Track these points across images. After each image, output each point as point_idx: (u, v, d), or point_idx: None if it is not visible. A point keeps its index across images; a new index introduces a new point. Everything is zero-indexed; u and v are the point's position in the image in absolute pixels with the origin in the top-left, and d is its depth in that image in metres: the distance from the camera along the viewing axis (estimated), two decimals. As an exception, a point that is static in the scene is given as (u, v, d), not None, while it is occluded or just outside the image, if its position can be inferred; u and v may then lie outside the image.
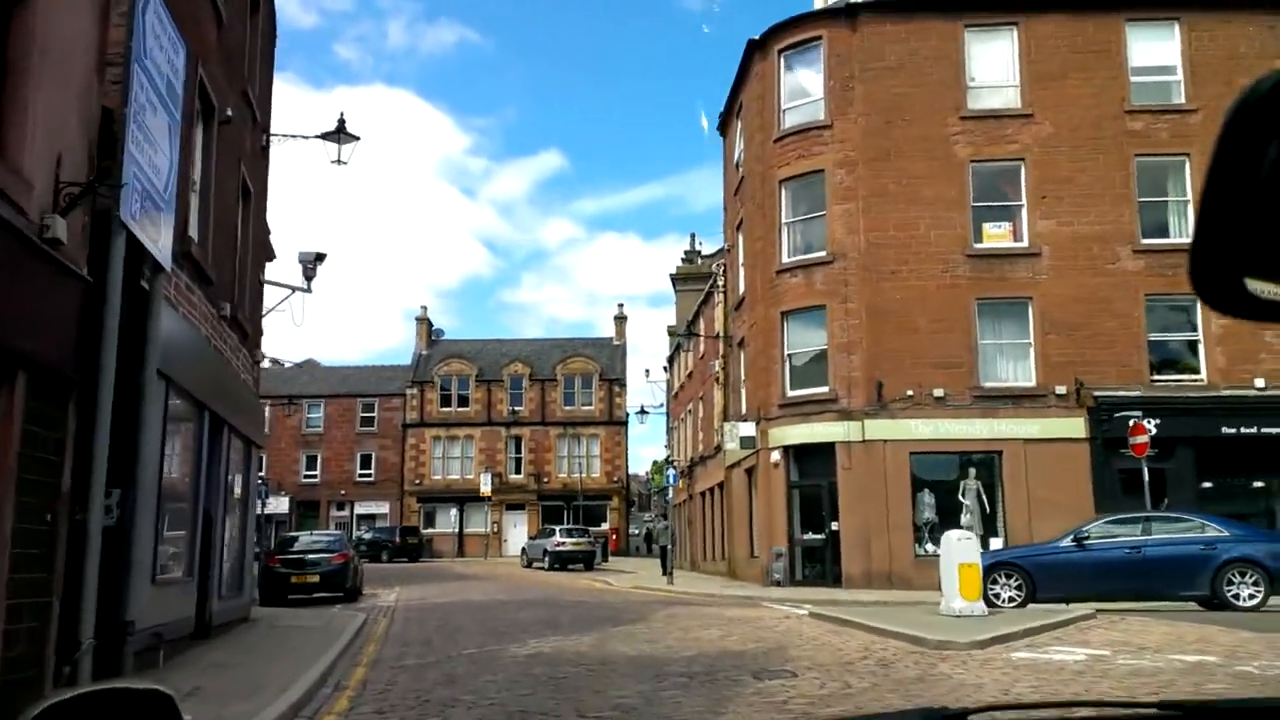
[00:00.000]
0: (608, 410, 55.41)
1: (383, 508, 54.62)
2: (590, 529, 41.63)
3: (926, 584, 20.37)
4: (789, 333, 23.14)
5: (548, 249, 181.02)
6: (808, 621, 13.42)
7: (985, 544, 21.09)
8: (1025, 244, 22.17)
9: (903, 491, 21.29)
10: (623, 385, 55.99)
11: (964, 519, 21.43)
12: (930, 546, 21.48)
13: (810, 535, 22.27)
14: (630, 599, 19.99)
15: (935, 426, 21.39)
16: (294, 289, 17.81)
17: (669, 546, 35.27)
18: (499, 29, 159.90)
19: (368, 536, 49.34)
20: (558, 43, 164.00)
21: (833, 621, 12.80)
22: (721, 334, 28.33)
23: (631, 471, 61.66)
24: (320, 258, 17.22)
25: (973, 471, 21.59)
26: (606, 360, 56.70)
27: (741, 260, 26.63)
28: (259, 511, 38.09)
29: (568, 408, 55.43)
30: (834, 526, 21.73)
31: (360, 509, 54.75)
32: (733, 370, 27.22)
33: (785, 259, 23.32)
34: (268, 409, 55.38)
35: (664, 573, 34.15)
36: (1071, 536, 15.16)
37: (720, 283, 28.84)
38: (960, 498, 21.54)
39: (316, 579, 20.76)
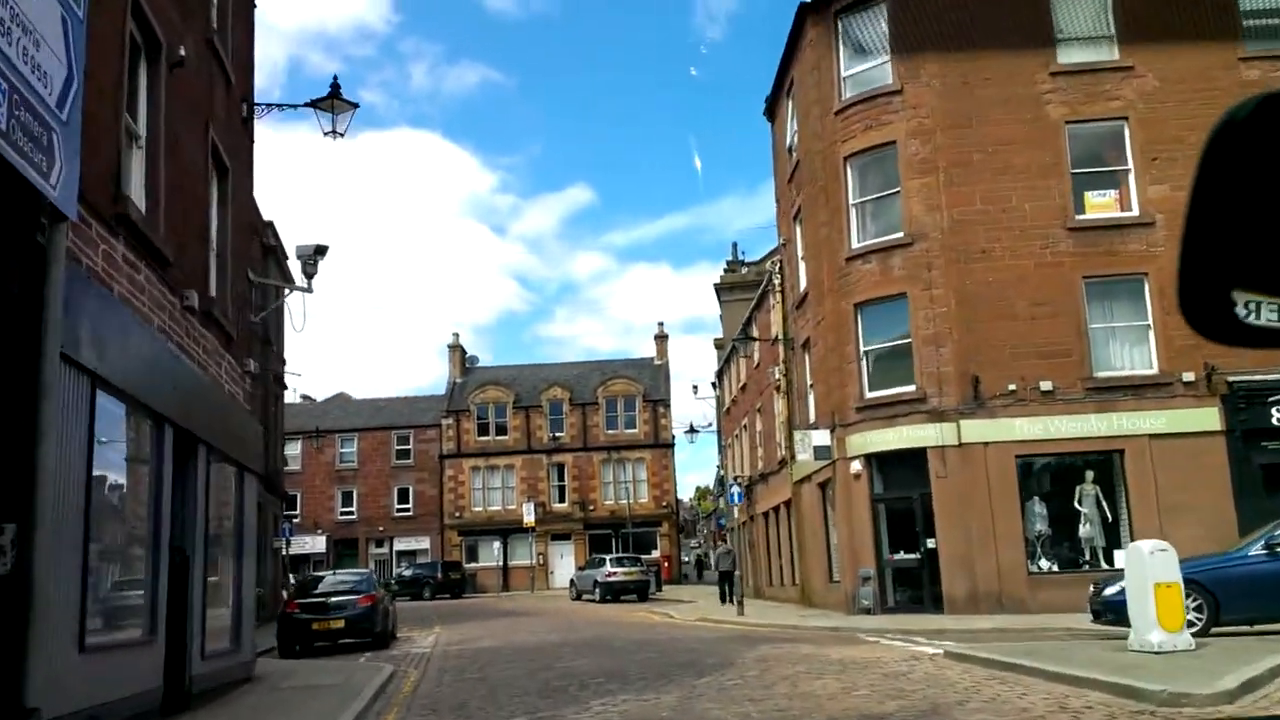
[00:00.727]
0: (653, 432, 52.78)
1: (423, 543, 52.32)
2: (641, 557, 38.86)
3: (1045, 606, 17.47)
4: (864, 327, 20.42)
5: (579, 281, 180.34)
6: (948, 665, 10.63)
7: (1109, 557, 18.13)
8: (1136, 213, 19.31)
9: (1009, 500, 18.39)
10: (667, 406, 53.37)
11: (1083, 529, 18.48)
12: (1044, 563, 18.57)
13: (902, 555, 19.40)
14: (702, 636, 17.25)
15: (1044, 424, 18.50)
16: (292, 287, 15.43)
17: (734, 573, 32.55)
18: (520, 67, 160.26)
19: (408, 573, 47.06)
20: (579, 78, 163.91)
21: (985, 665, 10.00)
22: (781, 337, 25.65)
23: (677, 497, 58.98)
24: (321, 251, 14.90)
25: (1090, 474, 18.64)
26: (649, 381, 54.16)
27: (801, 253, 24.00)
28: (284, 551, 35.91)
29: (610, 431, 52.90)
30: (930, 544, 18.86)
31: (400, 545, 52.48)
32: (796, 376, 24.51)
33: (855, 244, 20.66)
34: (299, 445, 53.64)
35: (724, 601, 31.40)
36: (1263, 542, 12.24)
37: (776, 282, 26.22)
38: (1077, 505, 18.59)
39: (341, 624, 18.30)
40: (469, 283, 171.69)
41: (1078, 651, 10.18)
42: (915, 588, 19.25)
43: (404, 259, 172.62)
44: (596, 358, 59.68)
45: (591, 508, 51.94)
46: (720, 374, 40.20)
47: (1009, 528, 18.25)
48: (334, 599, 18.67)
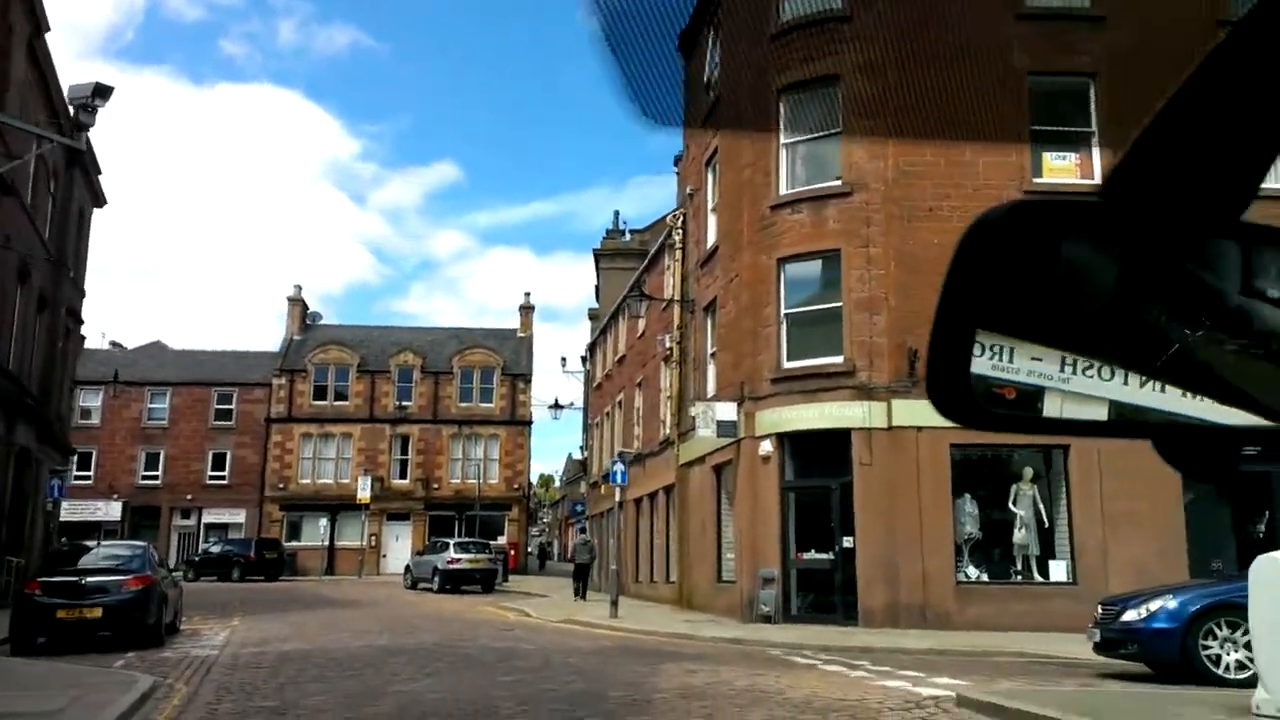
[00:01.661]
0: (510, 409, 48.79)
1: (238, 516, 46.39)
2: (490, 543, 34.99)
3: (973, 622, 15.00)
4: (787, 286, 17.46)
5: (438, 259, 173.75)
6: (963, 716, 7.55)
7: (1043, 568, 15.85)
8: (1097, 180, 17.13)
9: (940, 496, 15.83)
10: (528, 382, 49.49)
11: (1017, 534, 16.14)
12: (972, 570, 16.09)
13: (813, 554, 16.53)
14: (578, 646, 13.73)
15: (984, 412, 16.01)
16: (49, 139, 10.97)
17: (590, 566, 29.28)
18: (395, 34, 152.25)
19: (215, 549, 41.33)
20: (455, 52, 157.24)
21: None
22: (678, 299, 22.47)
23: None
24: (103, 92, 10.51)
25: (1028, 472, 16.33)
26: (510, 354, 50.10)
27: (712, 204, 20.87)
28: (52, 514, 29.99)
29: (464, 404, 48.54)
30: (847, 542, 16.07)
31: (210, 516, 46.35)
32: (695, 343, 21.37)
33: (784, 190, 17.67)
34: (99, 396, 46.58)
35: (578, 596, 28.15)
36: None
37: (676, 238, 22.99)
38: (1011, 506, 16.23)
39: (98, 614, 13.74)
40: (320, 249, 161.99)
41: (1168, 711, 7.29)
42: (824, 593, 16.42)
43: (252, 217, 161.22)
44: (453, 325, 55.11)
45: (436, 486, 47.46)
46: (593, 348, 36.80)
47: (938, 528, 15.66)
48: (92, 579, 14.03)
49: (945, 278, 0.86)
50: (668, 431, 23.82)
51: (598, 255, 38.30)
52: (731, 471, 18.27)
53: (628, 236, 37.82)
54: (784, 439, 16.87)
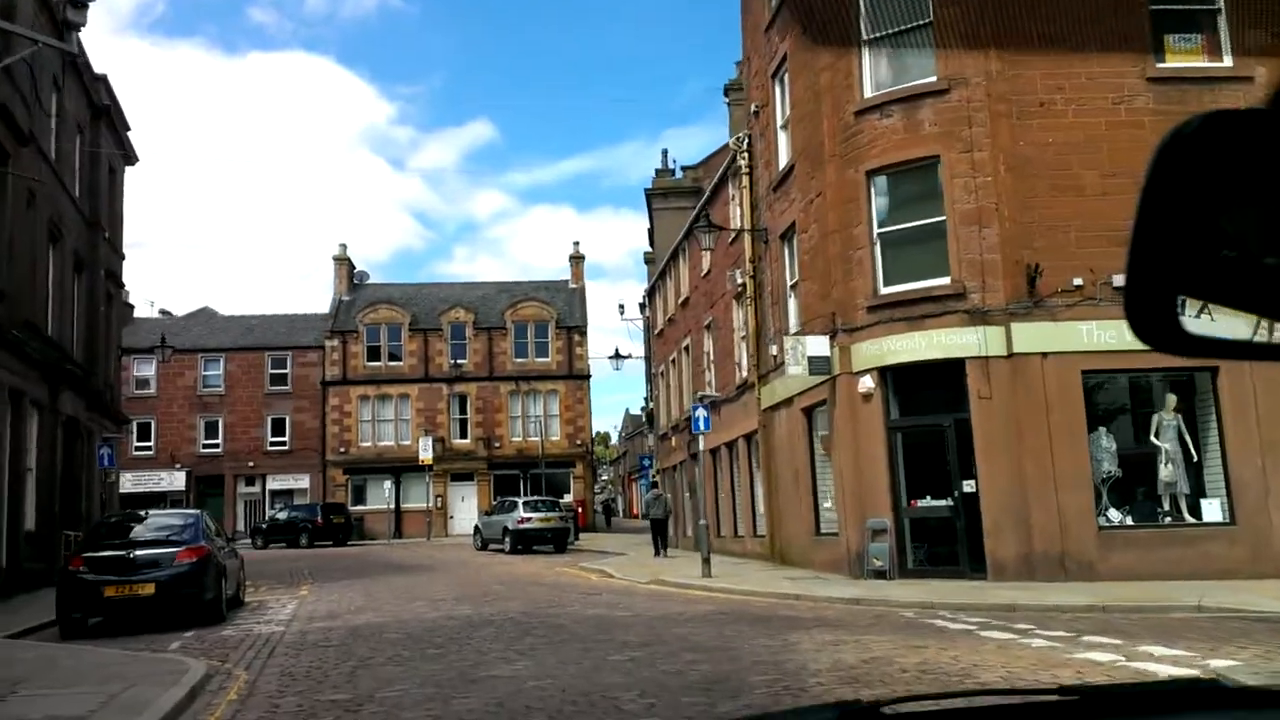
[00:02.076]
0: (567, 362, 47.49)
1: (301, 481, 46.04)
2: (560, 500, 33.91)
3: (1119, 571, 13.24)
4: (879, 202, 15.57)
5: (479, 221, 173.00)
6: None
7: (1195, 508, 14.00)
8: (1228, 64, 14.90)
9: (1074, 431, 13.99)
10: (583, 333, 48.08)
11: (1162, 471, 14.26)
12: (1114, 513, 14.28)
13: (928, 501, 14.85)
14: (682, 612, 12.31)
15: (1118, 331, 14.05)
16: (39, 40, 9.53)
17: (668, 521, 27.95)
18: None
19: (282, 517, 40.95)
20: (482, 8, 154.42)
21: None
22: (749, 229, 20.65)
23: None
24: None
25: (1171, 399, 14.40)
26: (563, 305, 48.68)
27: (782, 120, 18.94)
28: (113, 485, 29.46)
29: (520, 360, 47.35)
30: (967, 486, 14.36)
31: (274, 483, 46.07)
32: (772, 276, 19.59)
33: (869, 93, 15.69)
34: (152, 365, 46.23)
35: (658, 553, 26.89)
36: None
37: (742, 163, 21.09)
38: (1154, 439, 14.35)
39: (151, 589, 12.66)
40: (363, 216, 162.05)
41: None
42: (944, 544, 14.76)
43: (294, 188, 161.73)
44: (505, 279, 53.80)
45: (498, 445, 46.54)
46: (651, 293, 35.15)
47: (1073, 467, 13.85)
48: (141, 553, 12.93)
49: (1138, 205, 0.79)
50: (744, 374, 22.18)
51: (649, 195, 36.44)
52: (826, 413, 16.60)
53: (679, 174, 35.85)
54: (886, 373, 15.13)
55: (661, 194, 35.97)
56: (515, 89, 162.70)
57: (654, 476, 34.55)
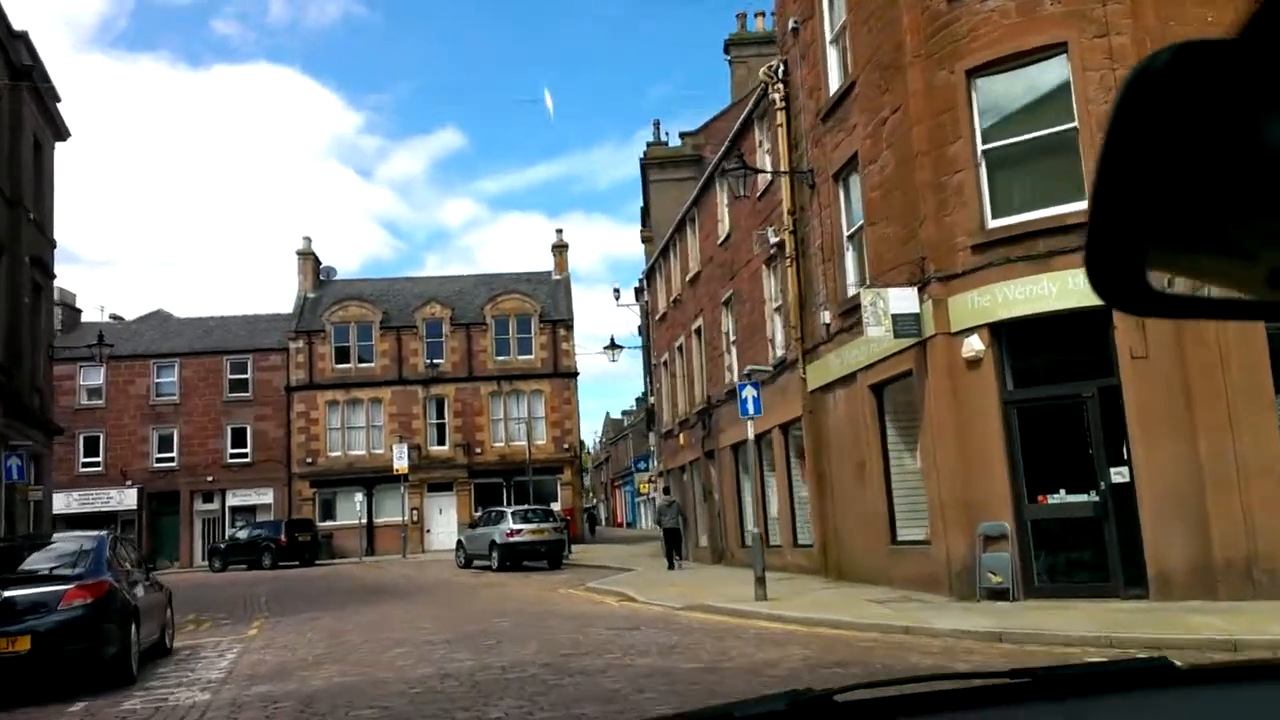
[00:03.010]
0: (552, 360, 43.89)
1: (265, 496, 42.02)
2: (554, 509, 30.34)
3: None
4: (984, 109, 12.21)
5: (450, 229, 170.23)
6: None
7: None
8: None
9: (1259, 398, 10.67)
10: (569, 328, 44.51)
11: (1368, 446, 10.95)
12: (1308, 504, 10.91)
13: (1062, 497, 11.47)
14: (775, 661, 8.82)
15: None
16: None
17: (682, 530, 24.57)
18: (386, 1, 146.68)
19: (242, 535, 37.04)
20: (447, 13, 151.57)
21: None
22: (784, 171, 17.21)
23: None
24: None
25: (1374, 354, 11.14)
26: (547, 298, 45.09)
27: (833, 32, 15.56)
28: (31, 506, 25.45)
29: (501, 358, 43.68)
30: (1117, 476, 11.00)
31: (235, 498, 42.00)
32: (824, 225, 16.16)
33: (966, -22, 12.34)
34: (100, 373, 42.03)
35: (671, 566, 23.48)
36: None
37: (776, 95, 17.65)
38: (1353, 406, 11.07)
39: (26, 645, 8.99)
40: (332, 227, 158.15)
41: None
42: (1086, 551, 11.37)
43: (262, 200, 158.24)
44: (483, 271, 50.08)
45: (478, 450, 42.81)
46: (649, 275, 31.68)
47: (1260, 445, 10.54)
48: (14, 593, 9.28)
49: (1100, 150, 0.70)
50: (780, 352, 18.78)
51: (645, 166, 32.99)
52: (911, 387, 13.18)
53: (678, 143, 32.42)
54: (1000, 331, 11.76)
55: (658, 164, 32.54)
56: (482, 95, 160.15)
57: (654, 479, 30.92)
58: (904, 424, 13.94)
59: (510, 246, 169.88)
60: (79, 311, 44.94)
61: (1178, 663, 1.38)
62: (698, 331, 25.20)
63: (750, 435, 14.50)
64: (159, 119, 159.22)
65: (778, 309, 19.00)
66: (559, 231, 48.33)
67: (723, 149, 21.37)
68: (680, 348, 27.22)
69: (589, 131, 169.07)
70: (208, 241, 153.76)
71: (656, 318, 30.51)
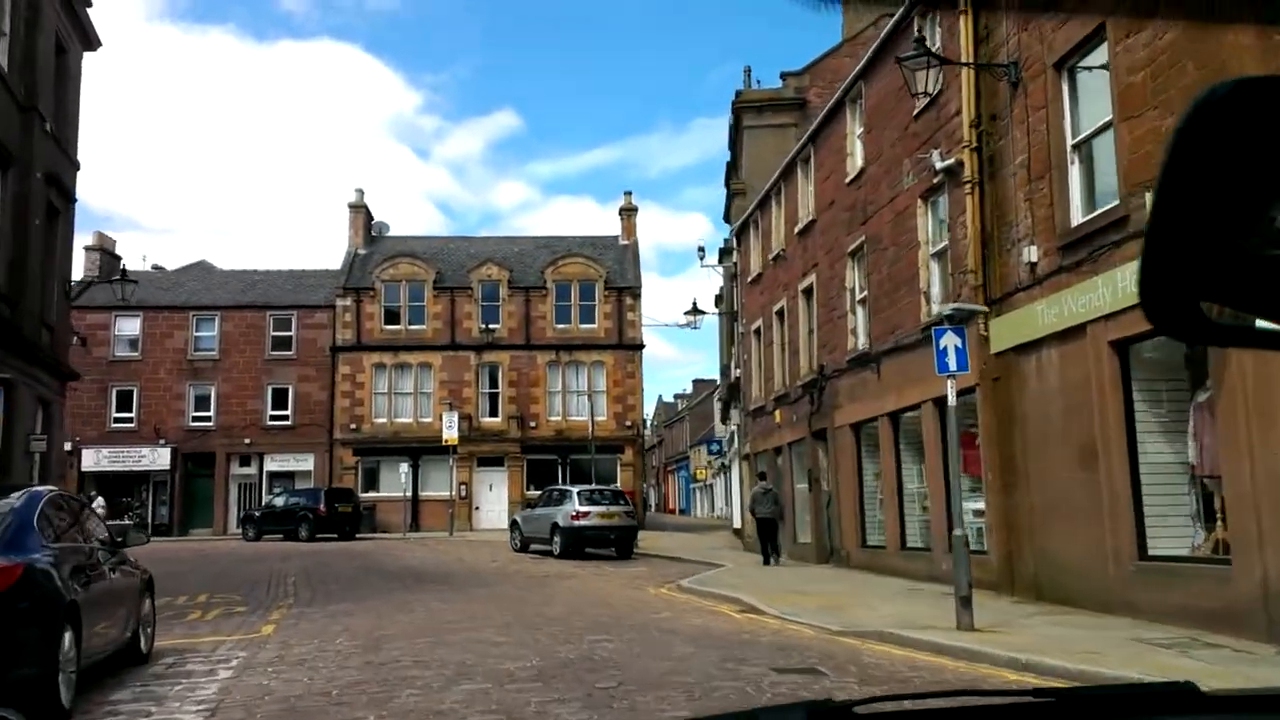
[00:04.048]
0: (616, 330, 40.35)
1: (305, 462, 39.12)
2: (622, 491, 26.83)
3: None
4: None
5: (501, 211, 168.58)
6: None
7: None
8: None
9: None
10: (636, 296, 40.90)
11: None
12: None
13: None
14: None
15: None
16: None
17: (779, 522, 21.07)
18: None
19: (279, 503, 34.11)
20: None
21: None
22: (970, 62, 13.32)
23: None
24: None
25: None
26: (613, 264, 41.52)
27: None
28: (52, 464, 22.21)
29: (561, 326, 40.26)
30: None
31: (273, 463, 39.17)
32: (1029, 136, 12.24)
33: None
34: (136, 322, 39.39)
35: (766, 561, 20.02)
36: None
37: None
38: None
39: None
40: (387, 206, 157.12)
41: None
42: None
43: (320, 176, 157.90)
44: (544, 233, 46.62)
45: (533, 424, 39.47)
46: (740, 233, 27.87)
47: None
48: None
49: (1158, 182, 0.70)
50: (935, 307, 14.94)
51: (738, 111, 29.10)
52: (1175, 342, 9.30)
53: (785, 81, 28.47)
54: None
55: (754, 108, 28.63)
56: (541, 77, 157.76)
57: (727, 464, 27.02)
58: (1165, 395, 10.09)
59: (560, 231, 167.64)
60: (118, 259, 42.25)
61: (1203, 688, 1.33)
62: (806, 291, 21.41)
63: (951, 398, 10.69)
64: (223, 91, 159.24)
65: (937, 253, 15.16)
66: (627, 194, 44.70)
67: (846, 84, 17.43)
68: (780, 312, 23.43)
69: (643, 116, 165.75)
70: (265, 213, 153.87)
71: (748, 280, 26.72)
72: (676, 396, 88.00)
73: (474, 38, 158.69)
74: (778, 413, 23.45)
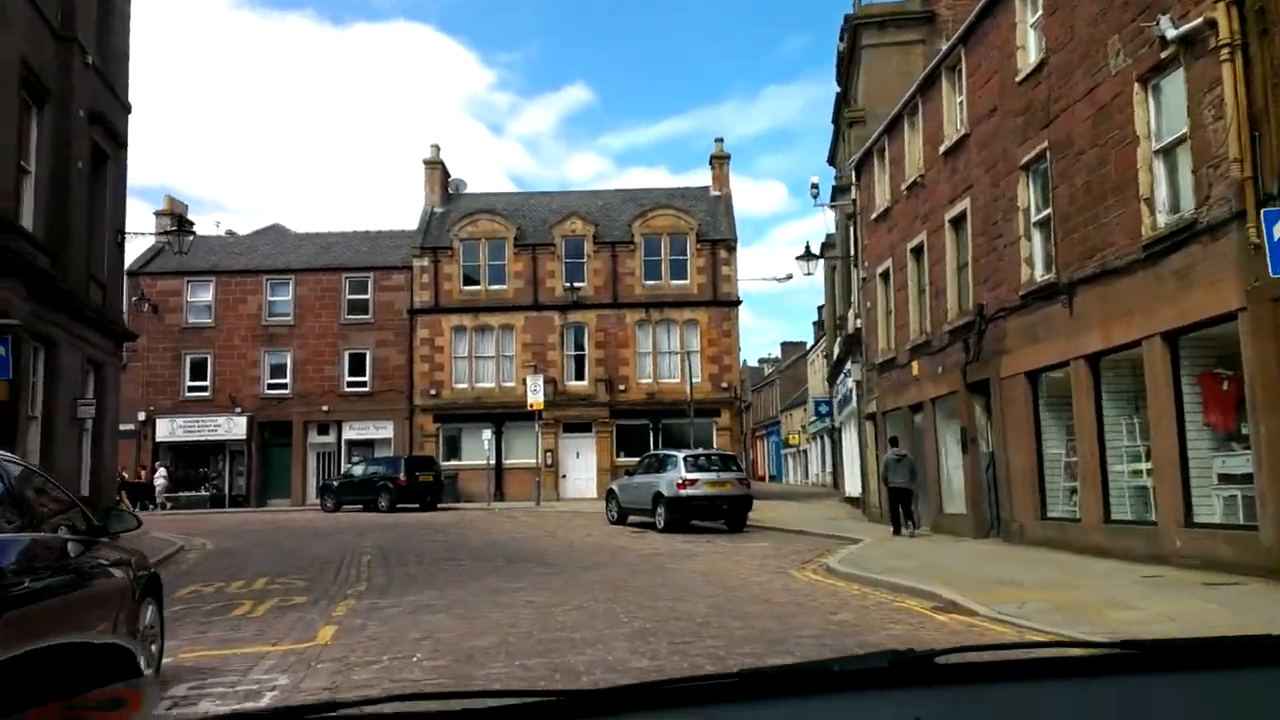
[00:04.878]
0: (710, 285, 37.33)
1: (384, 430, 37.28)
2: (734, 456, 23.96)
3: None
4: None
5: (575, 185, 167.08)
6: None
7: None
8: None
9: None
10: (731, 250, 37.77)
11: None
12: None
13: None
14: None
15: None
16: None
17: (914, 490, 18.16)
18: None
19: (358, 472, 32.35)
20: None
21: None
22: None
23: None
24: None
25: None
26: (705, 215, 38.42)
27: None
28: (89, 421, 19.93)
29: (650, 283, 37.42)
30: None
31: (352, 431, 37.42)
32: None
33: None
34: (210, 288, 37.96)
35: (897, 532, 17.15)
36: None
37: None
38: None
39: None
40: (468, 184, 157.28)
41: None
42: None
43: (397, 156, 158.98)
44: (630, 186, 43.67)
45: (622, 387, 36.85)
46: (860, 166, 24.47)
47: None
48: None
49: None
50: (1163, 219, 11.60)
51: (855, 28, 25.55)
52: None
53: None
54: None
55: (875, 24, 25.06)
56: (611, 50, 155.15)
57: (838, 426, 23.66)
58: None
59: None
60: (190, 224, 40.88)
61: None
62: (956, 220, 18.08)
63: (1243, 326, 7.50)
64: (302, 76, 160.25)
65: (1165, 148, 11.77)
66: (718, 141, 41.33)
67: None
68: (917, 249, 20.13)
69: (715, 86, 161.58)
70: (345, 198, 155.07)
71: (871, 218, 23.39)
72: (761, 361, 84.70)
73: (544, 14, 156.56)
74: (914, 365, 20.23)
